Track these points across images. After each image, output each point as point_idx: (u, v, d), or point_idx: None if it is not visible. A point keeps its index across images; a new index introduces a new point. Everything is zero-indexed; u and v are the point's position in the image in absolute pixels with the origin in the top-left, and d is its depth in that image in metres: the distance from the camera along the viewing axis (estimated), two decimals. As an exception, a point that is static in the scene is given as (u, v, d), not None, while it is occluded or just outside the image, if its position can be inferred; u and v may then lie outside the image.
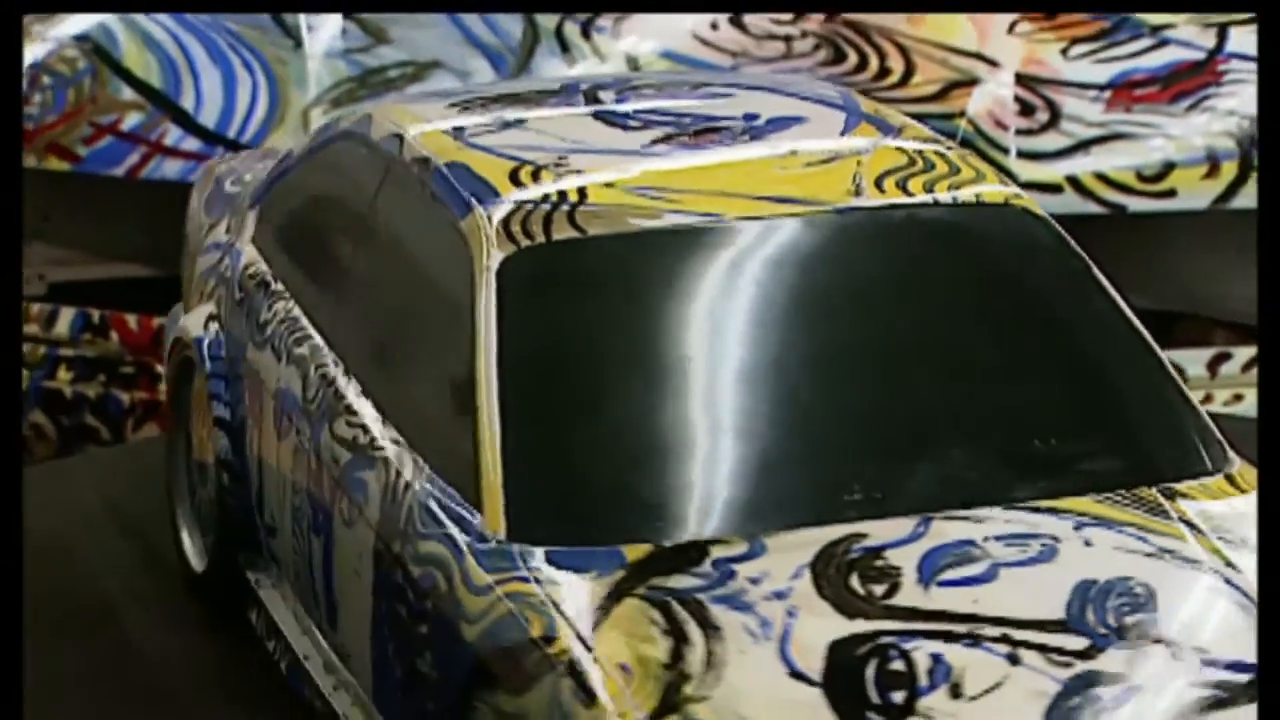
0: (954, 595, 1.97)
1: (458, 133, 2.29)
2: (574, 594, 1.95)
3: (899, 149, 2.31)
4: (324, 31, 2.89)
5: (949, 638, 1.90)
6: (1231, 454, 2.16)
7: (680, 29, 2.92)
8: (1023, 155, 2.75)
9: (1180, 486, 2.14)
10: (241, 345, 2.39)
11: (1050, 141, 2.77)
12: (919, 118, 2.73)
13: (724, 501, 2.06)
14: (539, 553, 1.96)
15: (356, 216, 2.36)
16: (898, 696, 1.81)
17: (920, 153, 2.32)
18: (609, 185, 2.14)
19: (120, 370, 2.93)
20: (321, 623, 2.31)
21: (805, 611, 1.92)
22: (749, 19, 2.93)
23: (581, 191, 2.12)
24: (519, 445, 2.03)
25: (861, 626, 1.90)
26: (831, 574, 1.97)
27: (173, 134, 2.79)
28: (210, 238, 2.51)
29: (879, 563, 1.99)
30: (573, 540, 1.99)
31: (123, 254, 3.02)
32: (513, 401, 2.04)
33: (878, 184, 2.19)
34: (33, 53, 2.89)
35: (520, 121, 2.34)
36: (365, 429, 2.12)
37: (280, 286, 2.36)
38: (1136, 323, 2.22)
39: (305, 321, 2.30)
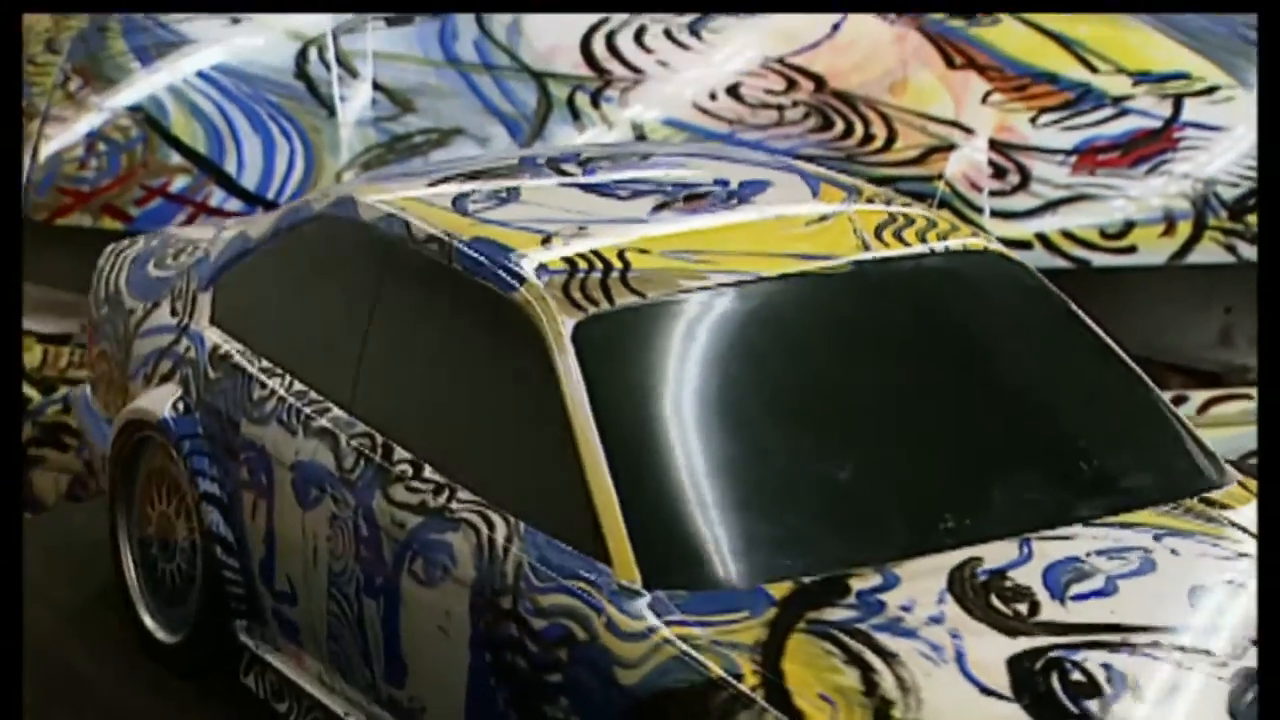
0: (1091, 608, 1.96)
1: (460, 209, 2.27)
2: (739, 633, 1.91)
3: (877, 207, 2.34)
4: (355, 101, 2.90)
5: (1109, 648, 1.89)
6: (1226, 465, 2.19)
7: (681, 98, 2.94)
8: (995, 214, 2.76)
9: (1214, 496, 2.14)
10: (231, 423, 2.33)
11: (1021, 202, 2.78)
12: (901, 180, 2.79)
13: (843, 536, 2.03)
14: (687, 597, 1.93)
15: (363, 295, 2.30)
16: (1093, 705, 1.80)
17: (892, 208, 2.35)
18: (644, 251, 2.13)
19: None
20: (377, 680, 2.21)
21: (968, 633, 1.91)
22: (745, 89, 2.95)
23: (623, 258, 2.11)
24: (635, 497, 1.99)
25: (1026, 643, 1.88)
26: (971, 597, 1.96)
27: (217, 195, 2.80)
28: (150, 321, 2.45)
29: (1008, 583, 1.98)
30: (709, 584, 1.96)
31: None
32: (619, 456, 2.00)
33: (878, 237, 2.21)
34: (89, 122, 2.91)
35: (514, 193, 2.33)
36: (435, 494, 2.08)
37: (269, 364, 2.32)
38: (1123, 354, 2.25)
39: (316, 396, 2.26)
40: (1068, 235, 2.79)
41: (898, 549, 2.01)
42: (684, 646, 1.89)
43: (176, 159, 2.86)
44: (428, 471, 2.10)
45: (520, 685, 2.04)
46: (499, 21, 3.08)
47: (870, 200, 2.39)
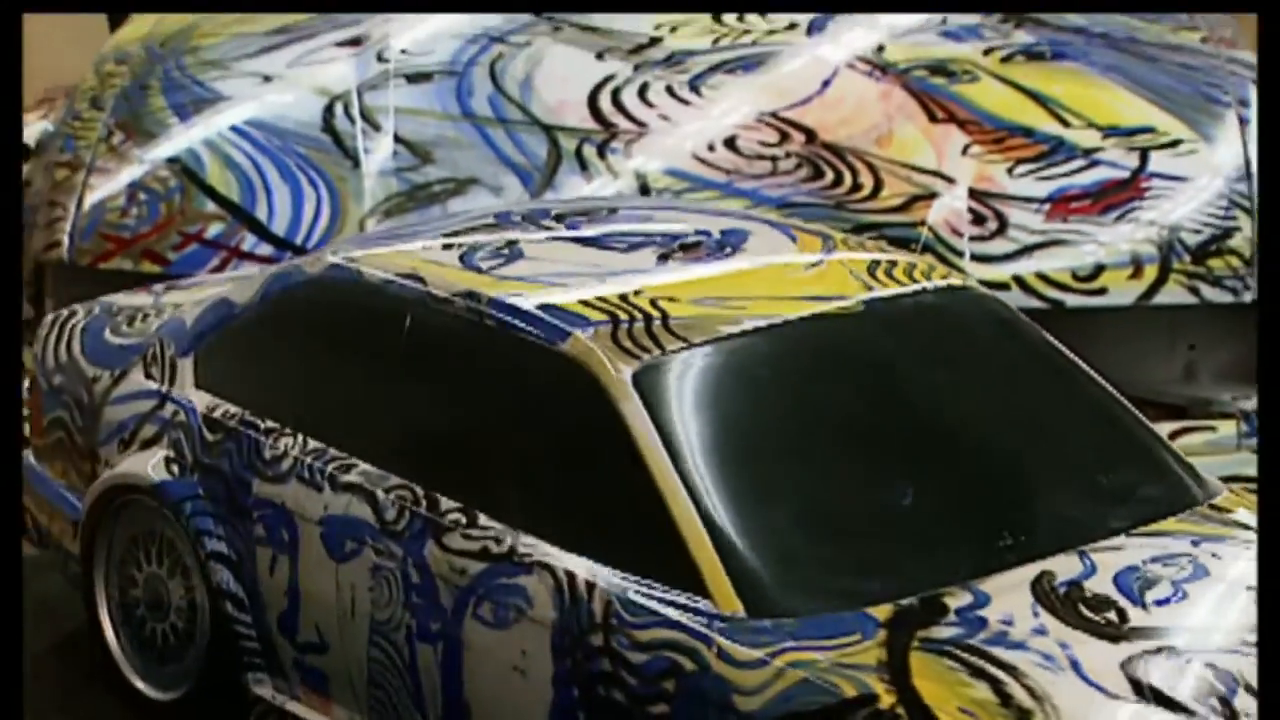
0: (1173, 612, 1.98)
1: (472, 266, 2.26)
2: (859, 655, 1.89)
3: (859, 255, 2.36)
4: (378, 153, 2.92)
5: (1205, 649, 1.90)
6: (1208, 476, 2.23)
7: (682, 150, 2.96)
8: (975, 258, 2.77)
9: (1218, 502, 2.18)
10: (240, 482, 2.29)
11: (999, 247, 2.79)
12: (887, 226, 2.83)
13: (919, 558, 2.03)
14: (795, 624, 1.91)
15: (382, 355, 2.26)
16: (1216, 703, 1.81)
17: (872, 252, 2.39)
18: (673, 300, 2.14)
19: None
20: None
21: (1074, 642, 1.90)
22: (741, 142, 2.96)
23: (656, 306, 2.11)
24: (725, 532, 1.97)
25: (1129, 648, 1.89)
26: (1061, 608, 1.96)
27: (249, 241, 2.82)
28: (122, 388, 2.40)
29: (1089, 594, 1.98)
30: (811, 610, 1.92)
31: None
32: (701, 493, 1.99)
33: (873, 276, 2.24)
34: (131, 173, 2.94)
35: (515, 249, 2.32)
36: (497, 541, 2.06)
37: (275, 425, 2.28)
38: (1102, 380, 2.29)
39: (338, 453, 2.23)
40: (1043, 277, 2.80)
41: (971, 567, 2.02)
42: (806, 671, 1.88)
43: (211, 207, 2.87)
44: (483, 519, 2.08)
45: (615, 718, 2.02)
46: (512, 78, 3.10)
47: (847, 245, 2.41)
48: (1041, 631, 1.94)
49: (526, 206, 2.52)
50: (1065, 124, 2.99)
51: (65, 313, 2.54)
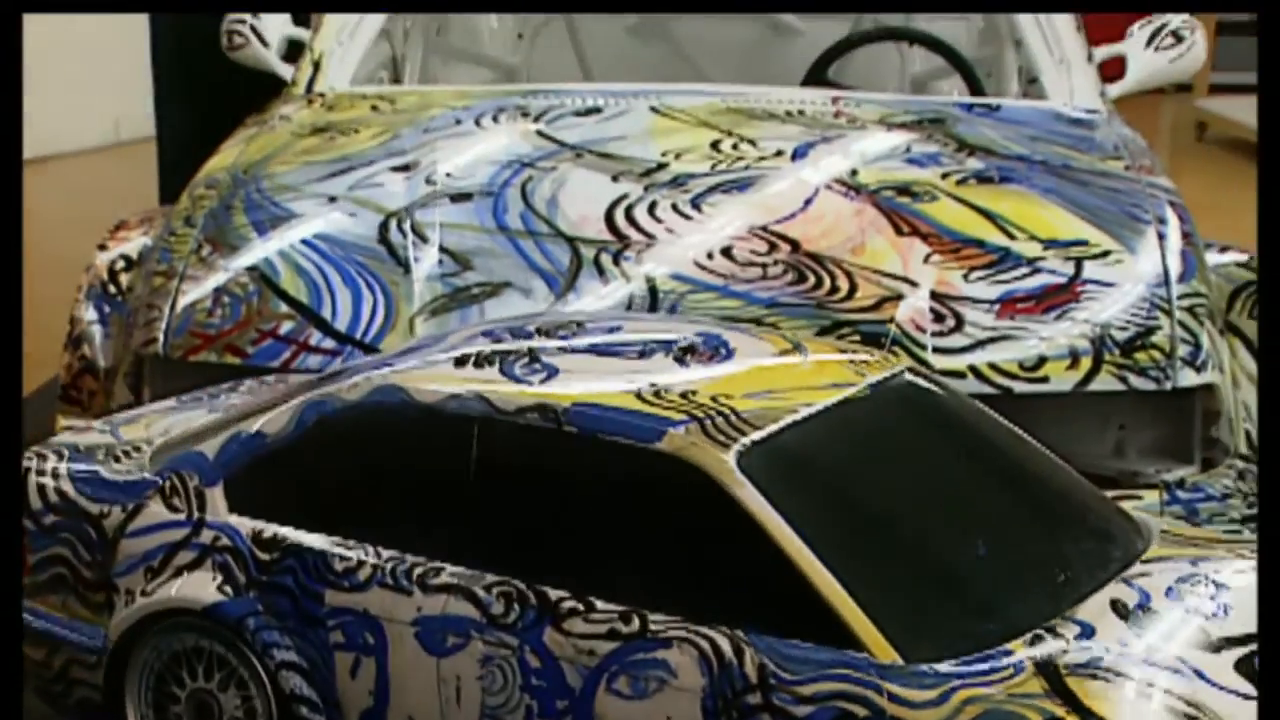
0: (1232, 621, 2.01)
1: (514, 378, 2.24)
2: (1022, 686, 1.87)
3: (830, 355, 2.43)
4: (425, 262, 2.96)
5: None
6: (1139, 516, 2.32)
7: (685, 257, 2.98)
8: (936, 350, 2.81)
9: (1168, 530, 2.29)
10: (310, 594, 2.22)
11: (956, 341, 2.82)
12: (861, 323, 2.86)
13: (1010, 599, 2.04)
14: (953, 665, 1.89)
15: (453, 469, 2.18)
16: None
17: (833, 347, 2.51)
18: (727, 395, 2.16)
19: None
20: None
21: (1185, 656, 1.91)
22: (735, 250, 3.00)
23: (716, 401, 2.13)
24: (862, 589, 1.95)
25: (1230, 655, 1.91)
26: None
27: (315, 336, 2.85)
28: (139, 521, 2.32)
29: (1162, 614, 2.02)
30: (955, 652, 1.91)
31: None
32: (832, 557, 1.97)
33: (854, 366, 2.34)
34: (216, 280, 2.99)
35: (539, 360, 2.30)
36: (623, 621, 2.03)
37: (338, 540, 2.23)
38: (1042, 447, 2.36)
39: (419, 560, 2.18)
40: (994, 367, 2.82)
41: (1054, 602, 2.01)
42: (987, 703, 1.85)
43: (284, 308, 2.92)
44: (600, 605, 2.05)
45: None
46: (540, 196, 3.13)
47: (812, 342, 2.50)
48: (1157, 649, 1.94)
49: (507, 323, 2.50)
50: (1012, 237, 3.04)
51: (34, 461, 2.46)
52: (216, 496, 2.31)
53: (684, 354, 2.33)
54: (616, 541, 2.14)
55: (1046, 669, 1.91)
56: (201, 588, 2.28)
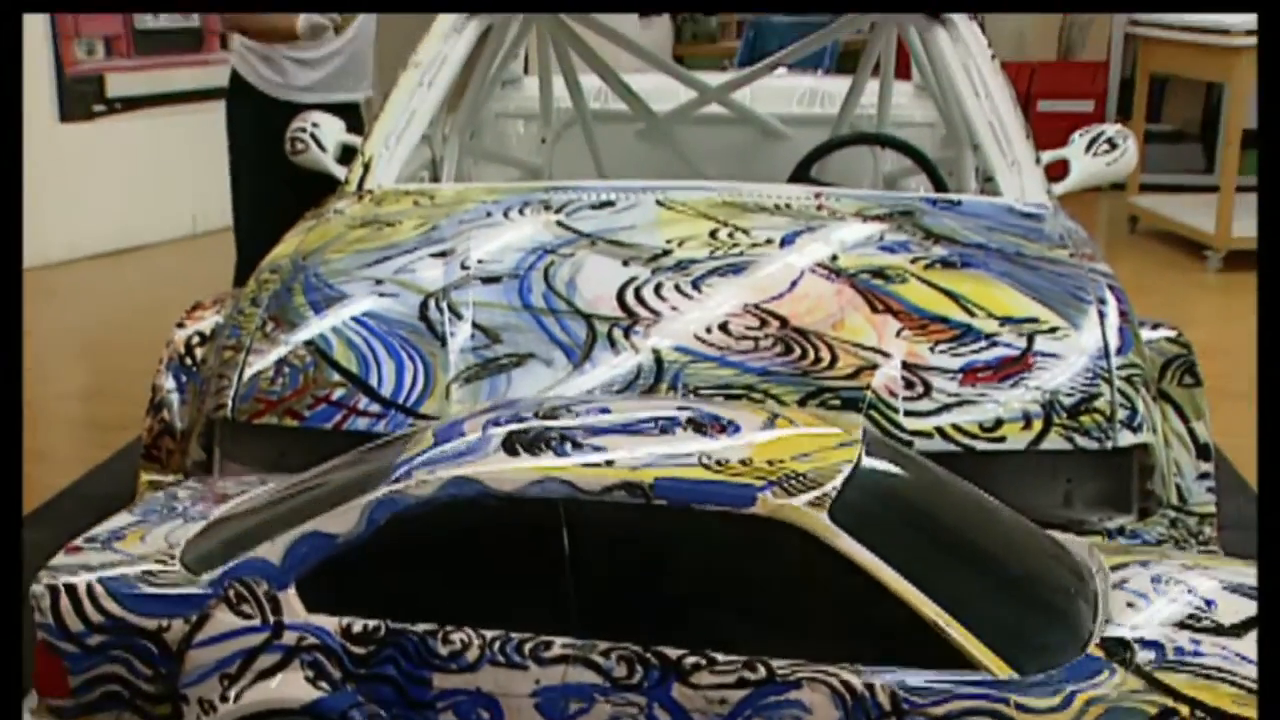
0: (1228, 611, 2.08)
1: (571, 459, 2.19)
2: (1125, 685, 1.90)
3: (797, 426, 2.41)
4: (460, 336, 2.95)
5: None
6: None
7: (686, 331, 2.97)
8: (908, 414, 2.79)
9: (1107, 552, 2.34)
10: (416, 680, 2.10)
11: (925, 405, 2.81)
12: (841, 389, 2.86)
13: (1066, 610, 2.09)
14: (1060, 673, 1.92)
15: (545, 549, 2.09)
16: None
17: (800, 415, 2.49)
18: (778, 460, 2.16)
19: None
20: None
21: (1227, 646, 1.97)
22: (731, 325, 2.99)
23: (774, 465, 2.14)
24: (968, 615, 1.96)
25: (1251, 639, 1.97)
26: (1184, 626, 2.05)
27: (363, 401, 2.84)
28: (207, 631, 2.15)
29: (1183, 614, 2.08)
30: (1058, 661, 1.94)
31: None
32: (933, 590, 1.97)
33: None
34: (278, 353, 2.99)
35: (573, 440, 2.26)
36: (748, 668, 2.00)
37: (435, 626, 2.12)
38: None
39: (526, 636, 2.09)
40: (957, 428, 2.82)
41: (1089, 611, 2.09)
42: (1107, 702, 1.87)
43: (336, 377, 2.92)
44: (721, 657, 2.01)
45: None
46: (560, 279, 3.14)
47: (788, 414, 2.52)
48: (1197, 641, 1.98)
49: (509, 410, 2.42)
50: (972, 315, 3.04)
51: (64, 585, 2.26)
52: (291, 599, 2.14)
53: (700, 429, 2.29)
54: (721, 601, 2.08)
55: (1137, 668, 1.93)
56: (295, 687, 2.12)
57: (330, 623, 2.12)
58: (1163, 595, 2.13)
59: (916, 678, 1.93)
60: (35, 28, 7.53)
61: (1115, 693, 1.89)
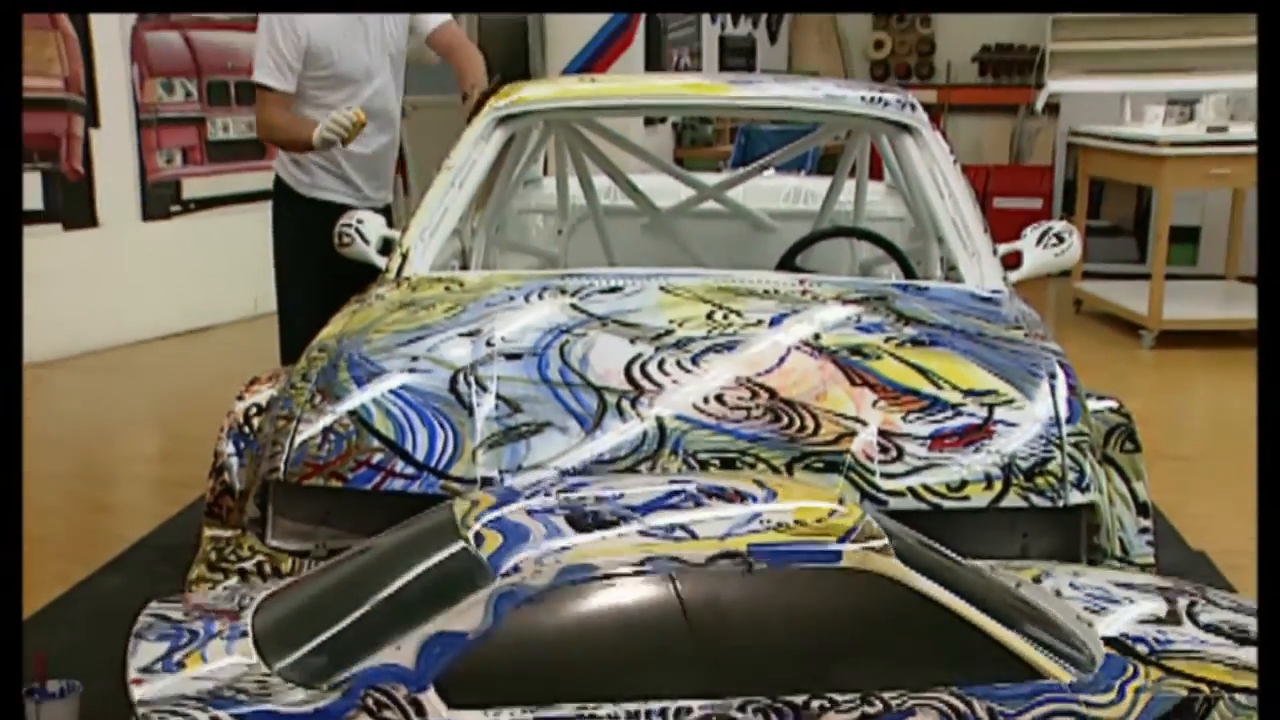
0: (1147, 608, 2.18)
1: (653, 536, 2.11)
2: (1152, 675, 1.94)
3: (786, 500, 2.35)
4: (485, 406, 2.90)
5: None
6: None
7: (686, 402, 2.92)
8: (884, 475, 2.75)
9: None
10: None
11: (898, 468, 2.77)
12: (825, 453, 2.81)
13: (1064, 624, 2.14)
14: (1102, 671, 1.96)
15: (661, 619, 1.97)
16: None
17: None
18: (828, 515, 2.20)
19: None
20: None
21: (1192, 635, 2.05)
22: (726, 397, 2.94)
23: (823, 522, 2.17)
24: (1026, 634, 2.00)
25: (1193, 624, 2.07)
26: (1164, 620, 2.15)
27: (399, 465, 2.80)
28: None
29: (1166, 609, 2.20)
30: (1091, 663, 1.98)
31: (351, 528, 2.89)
32: (997, 614, 2.00)
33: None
34: (324, 422, 2.94)
35: (623, 514, 2.19)
36: (866, 703, 1.96)
37: (576, 705, 1.94)
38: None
39: (660, 704, 1.95)
40: (927, 488, 2.78)
41: (1070, 622, 2.18)
42: (1151, 690, 1.92)
43: (376, 443, 2.88)
44: (840, 697, 1.96)
45: None
46: (574, 355, 3.10)
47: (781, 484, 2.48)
48: (1163, 632, 2.05)
49: (528, 492, 2.30)
50: (939, 388, 3.01)
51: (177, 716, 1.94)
52: (432, 699, 1.91)
53: (725, 498, 2.23)
54: (826, 646, 2.03)
55: (1146, 662, 1.97)
56: None
57: (475, 718, 1.92)
58: (1095, 598, 2.18)
59: (1004, 691, 1.94)
60: (123, 140, 7.63)
61: (1149, 682, 1.92)
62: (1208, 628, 2.12)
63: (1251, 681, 1.92)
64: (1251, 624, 2.10)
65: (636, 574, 2.01)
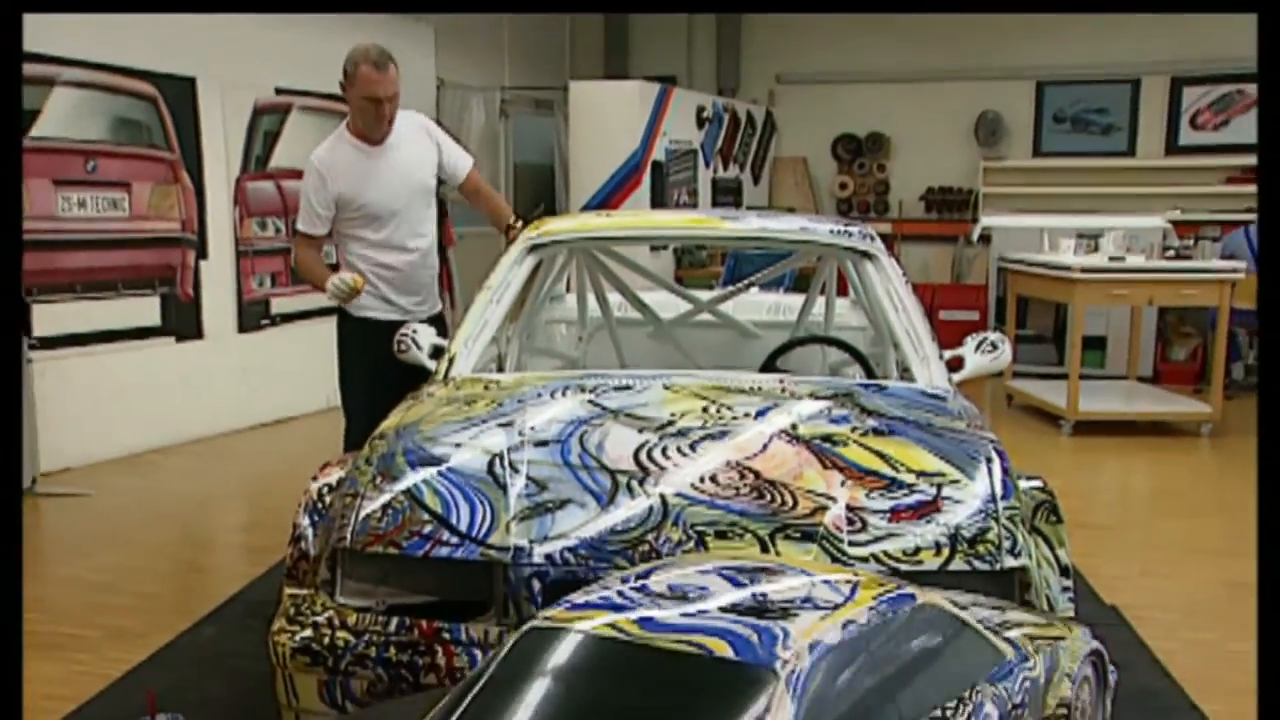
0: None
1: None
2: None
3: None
4: (517, 485, 2.85)
5: None
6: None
7: (685, 481, 2.86)
8: (851, 543, 2.69)
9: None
10: None
11: (863, 537, 2.72)
12: (800, 525, 2.75)
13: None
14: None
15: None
16: None
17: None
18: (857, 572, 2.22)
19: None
20: None
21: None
22: (719, 477, 2.88)
23: (860, 574, 2.19)
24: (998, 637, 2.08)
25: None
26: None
27: (445, 534, 2.74)
28: None
29: None
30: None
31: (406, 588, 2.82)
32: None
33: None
34: (383, 499, 2.88)
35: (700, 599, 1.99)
36: (957, 711, 1.89)
37: None
38: None
39: None
40: (887, 554, 2.72)
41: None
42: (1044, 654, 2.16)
43: (426, 516, 2.83)
44: (939, 711, 1.86)
45: None
46: (592, 442, 3.06)
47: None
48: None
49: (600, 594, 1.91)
50: (896, 470, 2.97)
51: None
52: None
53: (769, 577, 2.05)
54: (917, 670, 1.91)
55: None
56: None
57: None
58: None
59: (998, 676, 2.02)
60: (225, 269, 7.76)
61: (1036, 653, 2.12)
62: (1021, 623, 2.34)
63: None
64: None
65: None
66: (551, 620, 1.70)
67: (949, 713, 1.83)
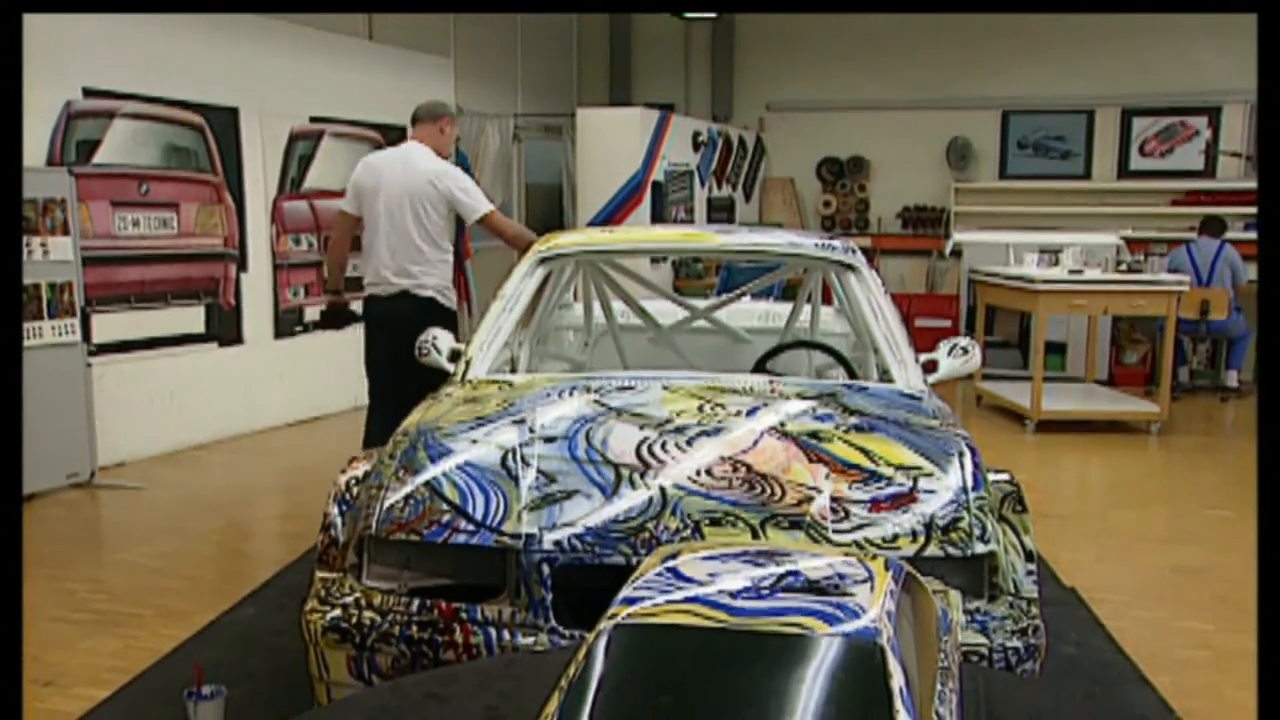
0: None
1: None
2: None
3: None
4: (528, 478, 2.78)
5: None
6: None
7: (683, 474, 2.83)
8: (835, 531, 2.66)
9: None
10: None
11: (846, 526, 2.68)
12: (789, 515, 2.70)
13: None
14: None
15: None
16: None
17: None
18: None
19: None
20: None
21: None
22: (713, 470, 2.84)
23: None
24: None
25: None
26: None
27: (462, 523, 2.71)
28: None
29: None
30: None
31: (426, 571, 2.77)
32: None
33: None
34: (406, 490, 2.84)
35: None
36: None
37: None
38: None
39: None
40: (868, 541, 2.69)
41: None
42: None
43: (445, 506, 2.80)
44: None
45: None
46: (597, 438, 3.03)
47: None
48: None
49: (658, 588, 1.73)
50: (876, 464, 2.94)
51: None
52: None
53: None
54: (920, 628, 1.70)
55: None
56: None
57: None
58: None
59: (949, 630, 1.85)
60: (264, 280, 7.68)
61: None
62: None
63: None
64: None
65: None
66: (633, 617, 1.45)
67: (947, 662, 1.67)
